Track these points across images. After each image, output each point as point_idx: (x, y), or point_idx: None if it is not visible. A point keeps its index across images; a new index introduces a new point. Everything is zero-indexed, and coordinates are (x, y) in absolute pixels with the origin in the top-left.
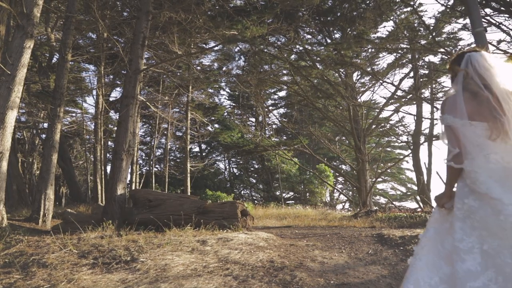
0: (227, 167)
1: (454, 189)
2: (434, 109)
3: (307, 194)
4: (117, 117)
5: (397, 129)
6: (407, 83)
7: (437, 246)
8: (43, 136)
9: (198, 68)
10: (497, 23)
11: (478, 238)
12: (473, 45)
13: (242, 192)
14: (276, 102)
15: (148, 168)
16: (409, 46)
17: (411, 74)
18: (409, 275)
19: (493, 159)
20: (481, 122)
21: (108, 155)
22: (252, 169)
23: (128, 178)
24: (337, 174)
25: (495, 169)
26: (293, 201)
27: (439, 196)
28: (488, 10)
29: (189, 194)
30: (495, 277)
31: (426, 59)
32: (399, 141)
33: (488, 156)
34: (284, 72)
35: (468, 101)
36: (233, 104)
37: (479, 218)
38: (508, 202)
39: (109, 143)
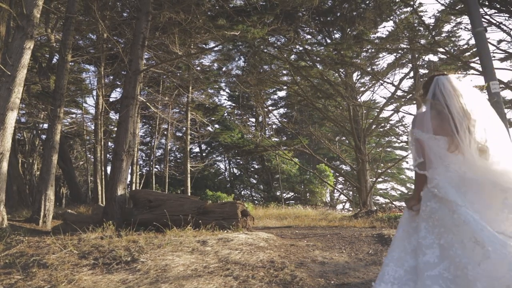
0: (227, 167)
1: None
2: None
3: (307, 194)
4: (117, 118)
5: (397, 129)
6: (407, 83)
7: (404, 243)
8: (43, 137)
9: (198, 68)
10: (497, 23)
11: (437, 234)
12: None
13: (242, 192)
14: (276, 102)
15: (148, 169)
16: (409, 46)
17: (411, 74)
18: (380, 271)
19: (452, 169)
20: (443, 136)
21: (108, 155)
22: (252, 169)
23: (128, 179)
24: (337, 174)
25: (453, 177)
26: (293, 201)
27: (409, 199)
28: (488, 10)
29: (189, 194)
30: (448, 266)
31: (426, 58)
32: (399, 141)
33: (447, 166)
34: (284, 72)
35: (434, 118)
36: (233, 104)
37: (438, 218)
38: (461, 204)
39: (109, 143)
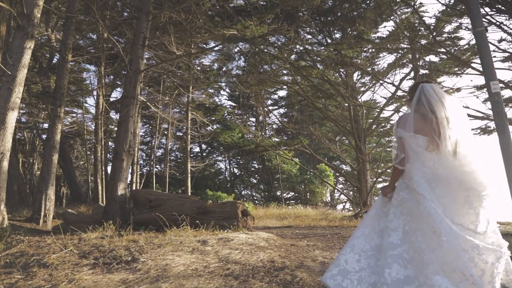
0: (228, 167)
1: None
2: None
3: (308, 194)
4: (118, 118)
5: None
6: (408, 83)
7: (374, 223)
8: (44, 136)
9: (199, 68)
10: (498, 23)
11: (403, 221)
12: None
13: (243, 192)
14: (277, 102)
15: (148, 169)
16: (409, 46)
17: (412, 74)
18: (349, 241)
19: (427, 165)
20: (423, 136)
21: (108, 155)
22: (252, 169)
23: (129, 179)
24: (338, 174)
25: (427, 172)
26: (294, 201)
27: (384, 187)
28: (488, 10)
29: (189, 194)
30: (408, 249)
31: (427, 59)
32: None
33: (423, 162)
34: (284, 72)
35: (417, 120)
36: (234, 104)
37: (406, 207)
38: (428, 198)
39: (110, 143)
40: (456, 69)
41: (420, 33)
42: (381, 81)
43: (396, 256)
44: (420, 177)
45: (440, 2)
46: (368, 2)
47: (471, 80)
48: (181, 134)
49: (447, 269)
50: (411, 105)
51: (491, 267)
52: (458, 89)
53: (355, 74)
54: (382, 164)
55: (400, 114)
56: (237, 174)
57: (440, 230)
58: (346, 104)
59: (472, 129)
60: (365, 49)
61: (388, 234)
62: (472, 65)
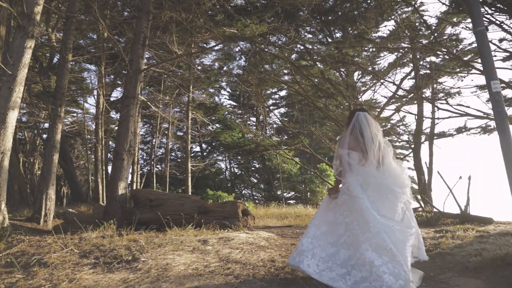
0: (228, 166)
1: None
2: (435, 108)
3: (308, 193)
4: (118, 117)
5: (398, 128)
6: (408, 83)
7: (323, 216)
8: (44, 136)
9: (199, 68)
10: (499, 22)
11: (345, 216)
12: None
13: (243, 191)
14: (277, 101)
15: (149, 168)
16: (410, 46)
17: (412, 73)
18: (305, 231)
19: (360, 174)
20: (356, 152)
21: (109, 155)
22: (253, 168)
23: (129, 178)
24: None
25: (360, 179)
26: (294, 201)
27: (330, 189)
28: (489, 9)
29: (190, 194)
30: (350, 235)
31: (428, 58)
32: (400, 141)
33: (357, 172)
34: (285, 71)
35: (351, 141)
36: (234, 103)
37: (347, 205)
38: (361, 197)
39: (110, 143)
40: (458, 70)
41: (420, 32)
42: (381, 80)
43: (342, 243)
44: (355, 183)
45: (441, 1)
46: (369, 1)
47: (472, 80)
48: (181, 133)
49: (375, 246)
50: (348, 129)
51: (403, 243)
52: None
53: (356, 74)
54: None
55: (339, 137)
56: (238, 173)
57: (369, 219)
58: (347, 104)
59: (472, 129)
60: (365, 49)
61: (337, 228)
62: (473, 64)
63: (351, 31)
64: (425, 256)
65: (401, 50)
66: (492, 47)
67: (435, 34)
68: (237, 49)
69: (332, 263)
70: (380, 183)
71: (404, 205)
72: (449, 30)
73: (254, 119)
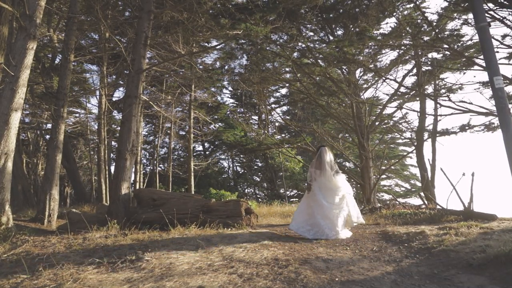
0: (231, 165)
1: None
2: (438, 105)
3: None
4: (120, 117)
5: (400, 125)
6: (410, 80)
7: (302, 202)
8: (47, 136)
9: (201, 67)
10: (501, 18)
11: (312, 205)
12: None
13: (246, 190)
14: (279, 100)
15: (151, 168)
16: (412, 43)
17: (414, 70)
18: (296, 209)
19: (318, 182)
20: (318, 170)
21: (112, 155)
22: (255, 167)
23: (132, 178)
24: (341, 171)
25: (319, 185)
26: (297, 199)
27: (307, 187)
28: (491, 5)
29: (193, 193)
30: (315, 216)
31: (429, 55)
32: (403, 138)
33: (317, 181)
34: (287, 70)
35: (316, 163)
36: (236, 102)
37: (312, 197)
38: (318, 193)
39: (113, 143)
40: (459, 65)
41: (422, 29)
42: (383, 78)
43: (309, 214)
44: (316, 187)
45: None
46: None
47: (474, 76)
48: (183, 133)
49: (323, 216)
50: (315, 156)
51: (337, 215)
52: (461, 87)
53: (358, 71)
54: (386, 161)
55: (313, 161)
56: (240, 172)
57: (321, 203)
58: (349, 101)
59: (476, 126)
60: (367, 46)
61: (307, 207)
62: (476, 60)
63: (352, 29)
64: (362, 220)
65: (403, 47)
66: (495, 43)
67: (437, 30)
68: (238, 48)
69: (304, 224)
70: (329, 186)
71: (342, 196)
72: (450, 25)
73: (256, 117)
